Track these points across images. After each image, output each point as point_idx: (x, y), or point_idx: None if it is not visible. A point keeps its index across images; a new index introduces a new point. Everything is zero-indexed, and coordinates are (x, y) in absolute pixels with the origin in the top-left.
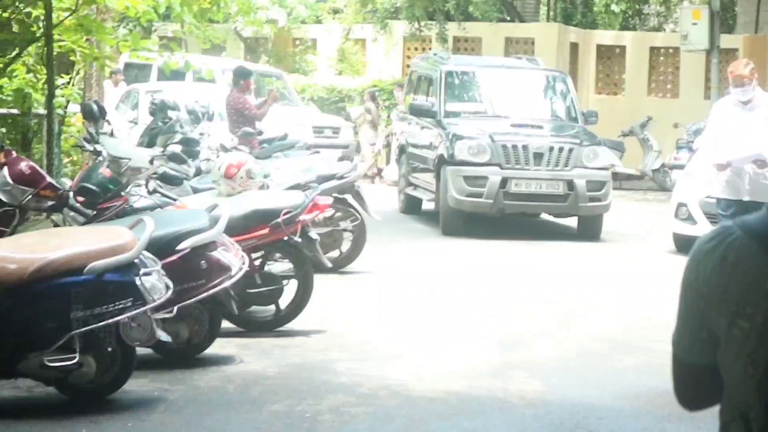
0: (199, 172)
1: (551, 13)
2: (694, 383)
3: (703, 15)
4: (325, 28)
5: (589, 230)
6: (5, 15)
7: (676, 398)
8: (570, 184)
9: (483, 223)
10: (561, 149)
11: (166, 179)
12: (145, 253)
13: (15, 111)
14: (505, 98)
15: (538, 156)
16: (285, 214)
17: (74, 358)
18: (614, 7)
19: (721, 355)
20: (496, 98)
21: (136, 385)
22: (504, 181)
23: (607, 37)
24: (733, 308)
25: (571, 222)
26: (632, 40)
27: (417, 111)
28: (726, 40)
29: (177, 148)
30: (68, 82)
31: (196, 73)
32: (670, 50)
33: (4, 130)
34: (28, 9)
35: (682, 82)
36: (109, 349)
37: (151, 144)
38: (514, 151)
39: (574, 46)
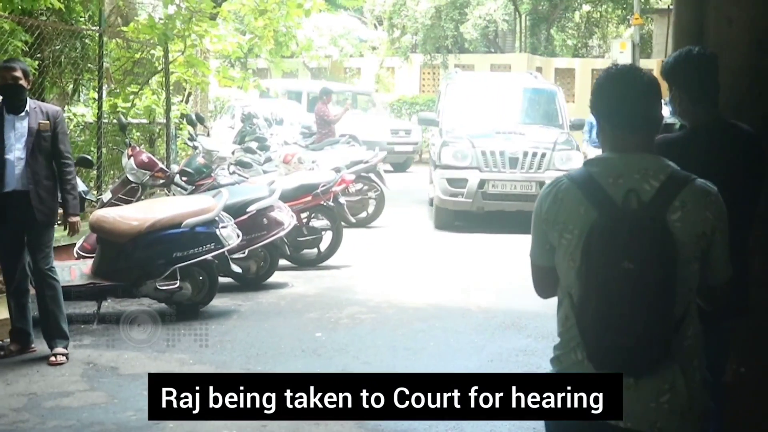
0: (269, 160)
1: (523, 46)
2: (543, 279)
3: (628, 46)
4: (365, 60)
5: None
6: (137, 55)
7: (535, 290)
8: (542, 185)
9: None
10: (535, 154)
11: (241, 164)
12: (223, 213)
13: (145, 120)
14: (500, 108)
15: (514, 160)
16: (322, 187)
17: (176, 283)
18: (568, 42)
19: (556, 256)
20: (491, 108)
21: (219, 301)
22: (482, 183)
23: (562, 62)
24: (561, 226)
25: None
26: (580, 64)
27: (423, 121)
28: (644, 63)
29: (253, 144)
30: (181, 101)
31: (268, 94)
32: None
33: (138, 133)
34: (153, 51)
35: None
36: (200, 277)
37: (242, 142)
38: (492, 156)
39: (539, 69)
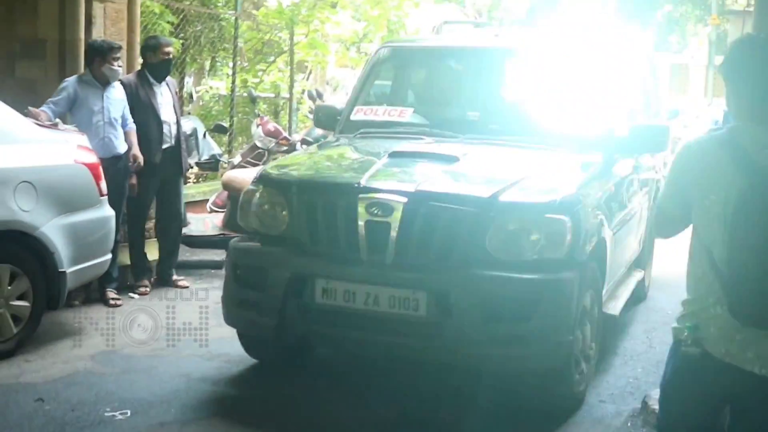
0: None
1: None
2: (669, 224)
3: (705, 44)
4: None
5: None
6: (266, 37)
7: (657, 231)
8: (443, 299)
9: None
10: (432, 216)
11: None
12: None
13: (271, 94)
14: (462, 97)
15: (381, 229)
16: None
17: None
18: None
19: (696, 213)
20: (445, 98)
21: None
22: (301, 282)
23: None
24: (705, 186)
25: None
26: (659, 59)
27: (321, 120)
28: (719, 61)
29: None
30: (303, 78)
31: None
32: None
33: (265, 105)
34: (280, 34)
35: None
36: None
37: None
38: (333, 217)
39: None
